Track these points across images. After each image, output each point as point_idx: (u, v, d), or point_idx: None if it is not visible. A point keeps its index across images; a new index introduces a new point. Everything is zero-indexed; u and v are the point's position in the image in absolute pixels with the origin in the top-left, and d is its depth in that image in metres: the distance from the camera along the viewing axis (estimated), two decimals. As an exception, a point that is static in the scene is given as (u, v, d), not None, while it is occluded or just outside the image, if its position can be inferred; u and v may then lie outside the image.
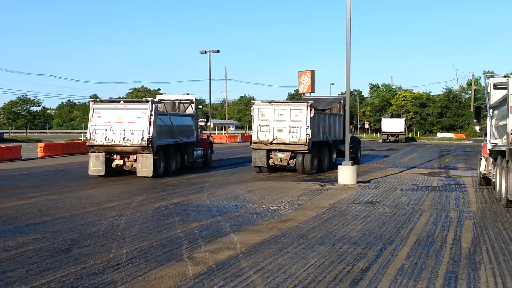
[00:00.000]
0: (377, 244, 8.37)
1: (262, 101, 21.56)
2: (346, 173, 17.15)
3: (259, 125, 20.59)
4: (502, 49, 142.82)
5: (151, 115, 18.52)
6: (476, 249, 8.08)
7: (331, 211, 11.72)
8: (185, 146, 22.07)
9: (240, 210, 11.89)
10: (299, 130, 20.02)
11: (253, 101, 22.62)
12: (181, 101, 23.48)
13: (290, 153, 20.52)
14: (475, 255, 7.70)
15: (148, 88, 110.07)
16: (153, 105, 18.81)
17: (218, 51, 49.47)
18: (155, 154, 18.67)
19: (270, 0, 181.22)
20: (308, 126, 19.92)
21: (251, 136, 21.19)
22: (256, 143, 20.57)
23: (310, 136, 19.92)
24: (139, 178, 18.53)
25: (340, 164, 17.68)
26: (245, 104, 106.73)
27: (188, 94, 29.93)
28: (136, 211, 11.61)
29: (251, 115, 21.26)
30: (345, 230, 9.55)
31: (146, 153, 18.47)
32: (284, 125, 20.33)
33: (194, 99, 23.96)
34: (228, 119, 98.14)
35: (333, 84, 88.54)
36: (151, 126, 18.48)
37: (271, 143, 20.38)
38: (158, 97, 24.91)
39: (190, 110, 23.40)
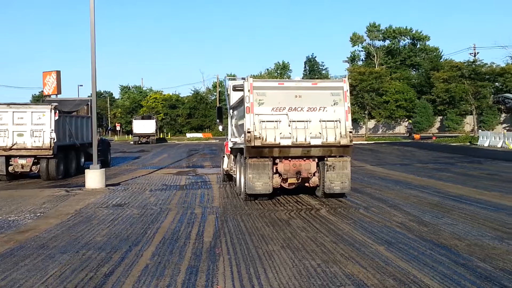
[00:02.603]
0: (123, 246, 8.30)
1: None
2: (94, 177, 16.69)
3: (-4, 130, 18.87)
4: (244, 54, 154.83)
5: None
6: (217, 242, 8.57)
7: (76, 217, 11.26)
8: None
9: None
10: (43, 134, 18.85)
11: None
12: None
13: (33, 158, 19.23)
14: (215, 248, 8.16)
15: None
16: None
17: None
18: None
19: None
20: (52, 130, 18.87)
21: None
22: (-9, 150, 18.81)
23: (55, 140, 18.91)
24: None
25: (88, 168, 17.17)
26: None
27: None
28: None
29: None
30: (90, 235, 9.25)
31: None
32: (25, 129, 18.93)
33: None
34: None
35: (81, 85, 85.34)
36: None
37: (10, 149, 18.80)
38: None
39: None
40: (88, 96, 31.93)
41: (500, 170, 20.31)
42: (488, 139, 39.04)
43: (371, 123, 79.29)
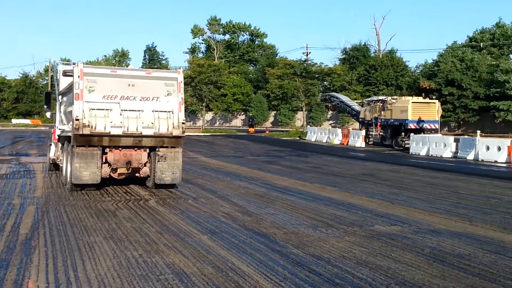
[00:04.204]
0: None
1: None
2: None
3: None
4: (81, 39, 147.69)
5: None
6: (34, 234, 8.10)
7: None
8: None
9: None
10: None
11: None
12: None
13: None
14: (31, 240, 7.71)
15: None
16: None
17: None
18: None
19: None
20: None
21: None
22: None
23: None
24: None
25: None
26: None
27: None
28: None
29: None
30: None
31: None
32: None
33: None
34: None
35: None
36: None
37: None
38: None
39: None
40: None
41: (323, 164, 21.86)
42: (315, 134, 41.79)
43: (208, 115, 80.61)
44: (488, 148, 23.50)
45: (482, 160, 23.05)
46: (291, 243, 7.81)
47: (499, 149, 22.98)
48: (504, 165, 21.67)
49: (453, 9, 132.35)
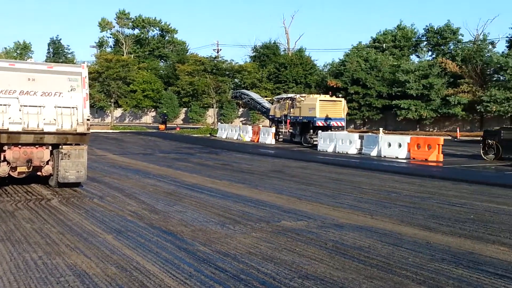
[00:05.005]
0: None
1: None
2: None
3: None
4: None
5: None
6: None
7: None
8: None
9: None
10: None
11: None
12: None
13: None
14: None
15: None
16: None
17: None
18: None
19: None
20: None
21: None
22: None
23: None
24: None
25: None
26: None
27: None
28: None
29: None
30: None
31: None
32: None
33: None
34: None
35: None
36: None
37: None
38: None
39: None
40: None
41: (233, 161, 21.99)
42: (226, 131, 41.95)
43: (118, 112, 78.77)
44: (390, 144, 24.63)
45: (385, 156, 24.12)
46: (198, 241, 7.79)
47: (399, 145, 24.14)
48: (404, 161, 22.80)
49: (358, 10, 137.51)
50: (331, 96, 33.90)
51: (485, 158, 22.56)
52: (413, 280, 6.09)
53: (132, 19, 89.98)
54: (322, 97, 33.02)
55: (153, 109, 79.53)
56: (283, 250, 7.34)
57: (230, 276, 6.16)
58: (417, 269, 6.50)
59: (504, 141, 22.04)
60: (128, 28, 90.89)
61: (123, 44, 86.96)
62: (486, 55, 50.35)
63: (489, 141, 22.56)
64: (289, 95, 37.24)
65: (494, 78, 48.83)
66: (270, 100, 43.89)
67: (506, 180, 16.06)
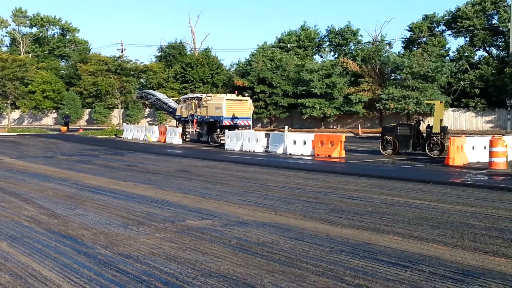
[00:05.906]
0: None
1: None
2: None
3: None
4: None
5: None
6: None
7: None
8: None
9: None
10: None
11: None
12: None
13: None
14: None
15: None
16: None
17: None
18: None
19: None
20: None
21: None
22: None
23: None
24: None
25: None
26: None
27: None
28: None
29: None
30: None
31: None
32: None
33: None
34: None
35: None
36: None
37: None
38: None
39: None
40: None
41: (138, 162, 21.58)
42: (132, 132, 41.11)
43: (16, 114, 75.01)
44: (295, 142, 25.18)
45: (290, 154, 24.63)
46: (99, 244, 7.58)
47: (304, 143, 24.75)
48: (309, 157, 23.40)
49: (263, 11, 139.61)
50: (237, 95, 34.15)
51: (383, 153, 23.64)
52: (313, 272, 6.26)
53: (30, 17, 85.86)
54: (229, 96, 33.16)
55: (54, 111, 76.37)
56: (187, 249, 7.30)
57: (131, 278, 6.04)
58: (317, 262, 6.69)
59: (400, 137, 23.25)
60: (25, 27, 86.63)
61: (20, 43, 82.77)
62: (384, 55, 52.84)
63: (387, 137, 23.66)
64: (196, 95, 37.06)
65: (392, 77, 51.28)
66: (177, 100, 43.48)
67: (402, 174, 16.92)
